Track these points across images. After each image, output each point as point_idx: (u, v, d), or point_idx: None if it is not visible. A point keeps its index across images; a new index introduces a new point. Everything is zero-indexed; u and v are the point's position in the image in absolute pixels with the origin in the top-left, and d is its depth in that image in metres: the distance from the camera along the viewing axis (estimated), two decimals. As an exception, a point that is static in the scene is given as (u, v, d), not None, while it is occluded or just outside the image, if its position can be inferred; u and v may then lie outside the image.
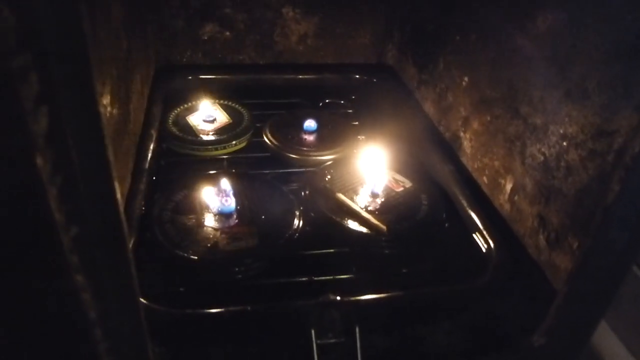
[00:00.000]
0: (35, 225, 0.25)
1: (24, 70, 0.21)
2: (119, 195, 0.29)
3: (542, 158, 0.66)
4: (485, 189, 0.82)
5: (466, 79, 0.88)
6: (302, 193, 0.81)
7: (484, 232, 0.73)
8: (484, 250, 0.72)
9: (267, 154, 0.94)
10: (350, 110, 1.13)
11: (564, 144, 0.61)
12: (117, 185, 0.29)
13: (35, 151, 0.23)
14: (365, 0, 1.16)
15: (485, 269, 0.68)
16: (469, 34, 0.86)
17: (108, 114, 0.68)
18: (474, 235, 0.74)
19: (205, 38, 1.14)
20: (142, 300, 0.55)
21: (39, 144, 0.23)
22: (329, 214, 0.75)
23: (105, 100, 0.67)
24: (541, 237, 0.66)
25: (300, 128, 0.97)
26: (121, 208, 0.30)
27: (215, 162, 0.92)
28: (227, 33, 1.14)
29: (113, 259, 0.31)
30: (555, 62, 0.63)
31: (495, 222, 0.75)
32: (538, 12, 0.66)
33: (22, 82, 0.21)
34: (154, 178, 0.83)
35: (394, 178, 0.83)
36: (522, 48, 0.70)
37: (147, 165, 0.83)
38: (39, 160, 0.23)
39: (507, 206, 0.75)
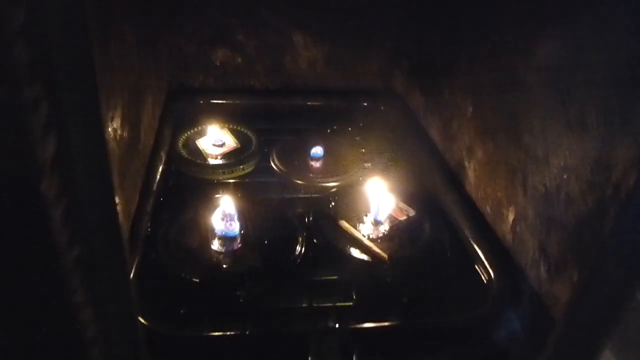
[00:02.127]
0: (38, 245, 0.26)
1: (34, 100, 0.23)
2: (121, 219, 0.31)
3: (543, 189, 0.67)
4: (489, 219, 0.82)
5: (470, 108, 0.89)
6: (306, 219, 0.81)
7: (486, 263, 0.73)
8: (485, 280, 0.72)
9: (273, 179, 0.95)
10: (357, 137, 1.14)
11: (564, 176, 0.62)
12: (120, 209, 0.30)
13: (41, 176, 0.24)
14: (374, 28, 1.18)
15: (486, 299, 0.68)
16: (473, 63, 0.88)
17: (118, 137, 0.70)
18: (475, 265, 0.74)
19: (217, 63, 1.16)
20: (143, 321, 0.56)
21: (46, 169, 0.24)
22: (331, 240, 0.76)
23: (116, 123, 0.69)
24: (542, 268, 0.66)
25: (307, 154, 0.98)
26: (123, 231, 0.31)
27: (222, 186, 0.93)
28: (239, 59, 1.17)
29: (113, 280, 0.32)
30: (556, 92, 0.64)
31: (497, 253, 0.75)
32: (539, 43, 0.67)
33: (32, 111, 0.23)
34: (161, 199, 0.85)
35: (398, 206, 0.84)
36: (524, 78, 0.71)
37: (155, 187, 0.84)
38: (45, 184, 0.24)
39: (509, 237, 0.75)
